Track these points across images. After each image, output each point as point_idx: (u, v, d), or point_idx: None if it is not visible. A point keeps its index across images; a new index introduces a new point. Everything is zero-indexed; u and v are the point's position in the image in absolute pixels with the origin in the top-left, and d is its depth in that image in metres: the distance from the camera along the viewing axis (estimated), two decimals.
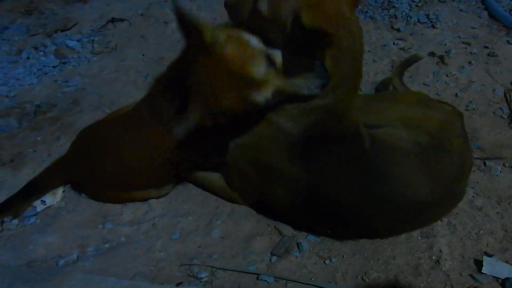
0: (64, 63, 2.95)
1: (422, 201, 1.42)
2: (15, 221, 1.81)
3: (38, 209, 1.87)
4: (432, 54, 2.50)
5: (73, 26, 3.40)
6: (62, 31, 3.36)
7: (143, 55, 2.89)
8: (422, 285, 1.37)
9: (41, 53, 3.09)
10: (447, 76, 2.33)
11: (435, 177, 1.42)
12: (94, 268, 1.55)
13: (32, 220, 1.82)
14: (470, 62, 2.40)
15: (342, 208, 1.41)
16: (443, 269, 1.40)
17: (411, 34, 2.73)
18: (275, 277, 1.43)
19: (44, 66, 2.93)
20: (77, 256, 1.63)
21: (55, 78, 2.78)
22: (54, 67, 2.93)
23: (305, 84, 1.23)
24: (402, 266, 1.42)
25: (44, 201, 1.89)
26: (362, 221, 1.45)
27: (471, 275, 1.37)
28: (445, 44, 2.58)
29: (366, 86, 2.31)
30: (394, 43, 2.65)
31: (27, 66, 2.95)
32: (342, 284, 1.40)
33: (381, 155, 1.41)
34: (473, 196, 1.65)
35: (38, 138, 2.28)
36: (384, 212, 1.42)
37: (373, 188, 1.38)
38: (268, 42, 1.25)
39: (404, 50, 2.57)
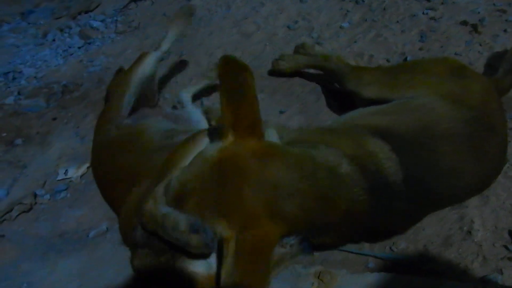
0: (89, 43, 2.99)
1: (470, 193, 1.41)
2: (47, 196, 1.87)
3: (59, 177, 1.93)
4: (464, 23, 2.38)
5: (96, 7, 3.44)
6: (85, 12, 3.39)
7: (166, 33, 2.88)
8: (452, 255, 1.33)
9: (66, 34, 3.14)
10: (480, 45, 2.22)
11: (483, 162, 1.35)
12: None
13: (63, 194, 1.87)
14: (505, 30, 2.27)
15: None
16: (475, 240, 1.35)
17: (442, 3, 2.60)
18: None
19: (70, 47, 2.99)
20: (107, 228, 1.67)
21: (80, 58, 2.83)
22: (79, 47, 2.97)
23: None
24: (432, 237, 1.38)
25: (67, 171, 1.95)
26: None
27: (504, 246, 1.32)
28: (479, 12, 2.45)
29: (393, 58, 2.23)
30: (423, 13, 2.54)
31: (53, 48, 3.01)
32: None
33: (425, 145, 1.30)
34: (508, 167, 1.57)
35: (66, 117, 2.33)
36: (431, 207, 1.39)
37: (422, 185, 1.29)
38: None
39: (435, 19, 2.46)
